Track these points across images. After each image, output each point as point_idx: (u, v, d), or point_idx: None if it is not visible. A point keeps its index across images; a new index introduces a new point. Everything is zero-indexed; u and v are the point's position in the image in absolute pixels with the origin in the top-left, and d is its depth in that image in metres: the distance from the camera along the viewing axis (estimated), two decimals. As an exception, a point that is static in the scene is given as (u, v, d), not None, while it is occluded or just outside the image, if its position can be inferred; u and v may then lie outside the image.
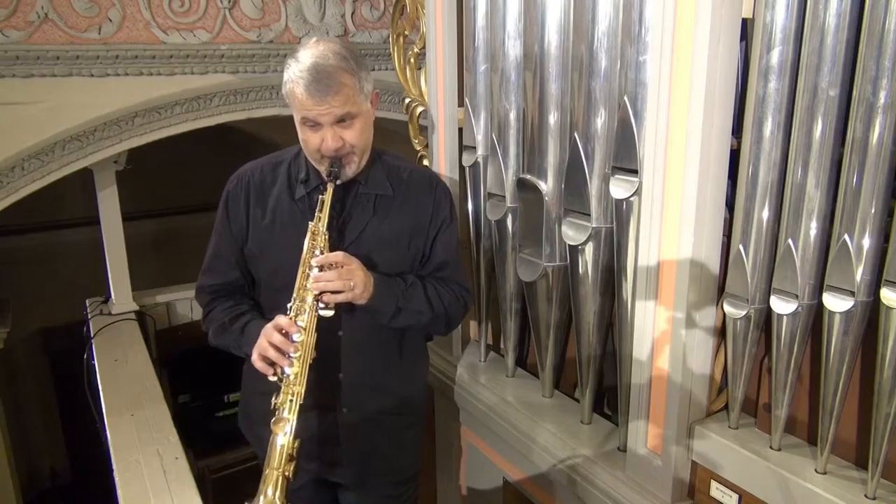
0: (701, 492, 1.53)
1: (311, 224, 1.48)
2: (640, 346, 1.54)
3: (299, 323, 1.42)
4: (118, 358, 3.05)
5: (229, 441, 3.37)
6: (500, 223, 1.94)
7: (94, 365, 3.09)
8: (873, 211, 1.18)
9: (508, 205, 1.91)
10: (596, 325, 1.75)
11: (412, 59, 2.34)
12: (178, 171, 5.17)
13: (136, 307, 3.56)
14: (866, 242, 1.20)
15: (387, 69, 3.36)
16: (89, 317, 3.51)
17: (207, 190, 5.46)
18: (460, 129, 2.14)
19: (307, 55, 1.44)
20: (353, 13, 3.26)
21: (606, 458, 1.71)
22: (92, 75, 2.77)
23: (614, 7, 1.49)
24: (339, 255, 1.46)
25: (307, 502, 1.77)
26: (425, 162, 2.34)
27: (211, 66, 2.98)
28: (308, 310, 1.43)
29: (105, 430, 2.48)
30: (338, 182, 1.51)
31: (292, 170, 1.64)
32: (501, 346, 2.15)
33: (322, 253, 1.46)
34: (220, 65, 3.00)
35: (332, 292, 1.45)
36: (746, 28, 1.36)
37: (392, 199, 1.64)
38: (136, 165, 3.37)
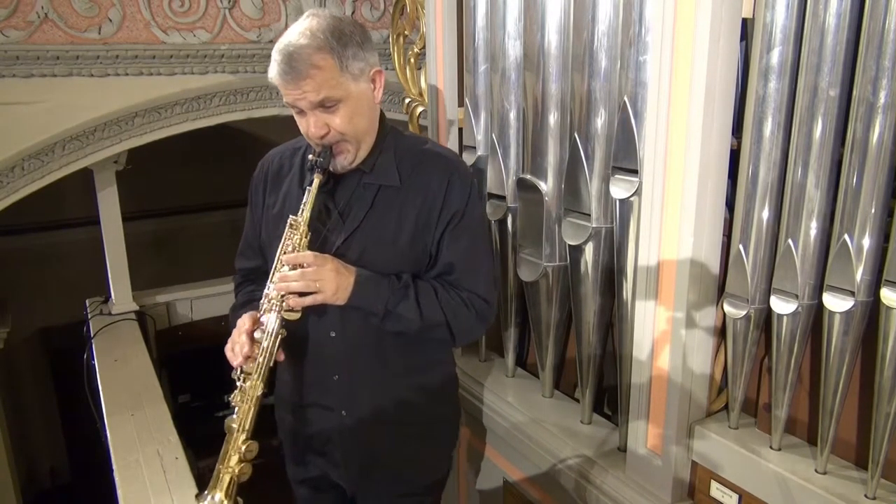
0: (701, 492, 1.53)
1: (291, 217, 1.40)
2: (640, 346, 1.54)
3: (262, 321, 1.38)
4: (118, 358, 3.05)
5: (229, 441, 3.37)
6: (500, 223, 1.94)
7: (94, 365, 3.08)
8: (873, 211, 1.18)
9: (508, 205, 1.91)
10: (596, 325, 1.75)
11: (412, 59, 2.34)
12: (178, 171, 5.16)
13: (136, 307, 3.55)
14: (866, 242, 1.20)
15: (387, 69, 3.34)
16: (89, 317, 3.51)
17: (207, 190, 5.49)
18: (460, 129, 2.14)
19: (287, 35, 1.34)
20: (353, 13, 3.26)
21: (606, 458, 1.71)
22: (92, 75, 2.77)
23: (614, 7, 1.49)
24: (308, 256, 1.37)
25: (315, 498, 1.76)
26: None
27: (211, 66, 2.98)
28: (273, 310, 1.38)
29: (105, 430, 2.48)
30: (323, 171, 1.40)
31: (307, 156, 1.50)
32: (501, 346, 2.15)
33: (295, 250, 1.39)
34: (220, 65, 3.00)
35: (298, 294, 1.37)
36: (746, 28, 1.36)
37: (398, 190, 1.47)
38: (136, 165, 3.37)
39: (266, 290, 1.41)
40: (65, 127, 2.76)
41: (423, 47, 2.22)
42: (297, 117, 1.42)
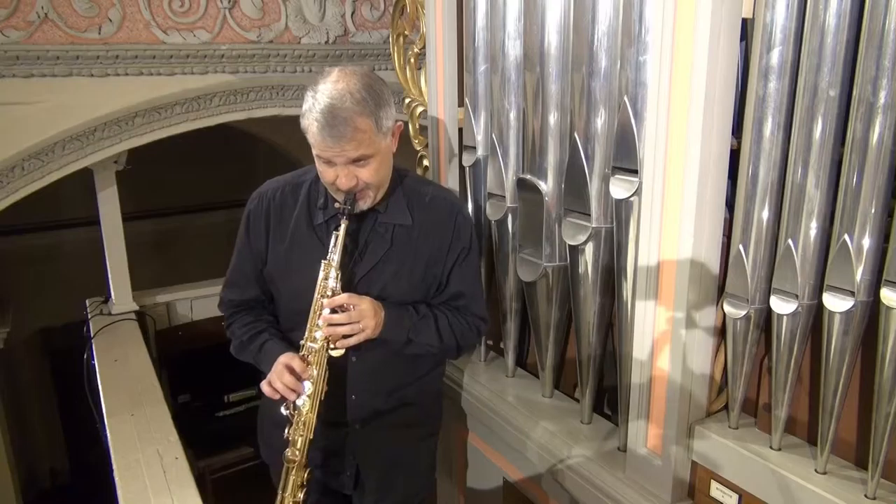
0: (701, 492, 1.53)
1: (323, 262, 1.49)
2: (640, 346, 1.54)
3: (311, 361, 1.48)
4: (118, 358, 3.04)
5: (229, 441, 3.37)
6: (500, 223, 1.94)
7: (94, 365, 3.08)
8: (873, 211, 1.18)
9: (508, 205, 1.91)
10: (596, 325, 1.75)
11: (412, 59, 2.34)
12: (178, 171, 5.16)
13: (136, 307, 3.55)
14: (866, 242, 1.20)
15: (387, 69, 3.35)
16: (89, 317, 3.51)
17: (207, 190, 5.50)
18: (460, 129, 2.14)
19: (325, 93, 1.40)
20: (353, 13, 3.26)
21: (606, 458, 1.71)
22: (92, 75, 2.77)
23: (614, 7, 1.49)
24: (345, 297, 1.48)
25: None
26: (425, 162, 2.34)
27: (211, 66, 2.98)
28: (318, 350, 1.48)
29: (105, 430, 2.48)
30: (352, 215, 1.50)
31: (312, 193, 1.62)
32: (501, 346, 2.15)
33: (333, 293, 1.48)
34: (220, 65, 3.00)
35: (344, 336, 1.48)
36: (746, 28, 1.36)
37: (411, 228, 1.62)
38: (136, 165, 3.37)
39: (308, 333, 1.50)
40: (65, 127, 2.76)
41: (423, 47, 2.22)
42: (323, 166, 1.48)
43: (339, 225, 1.49)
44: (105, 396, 2.70)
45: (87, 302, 3.69)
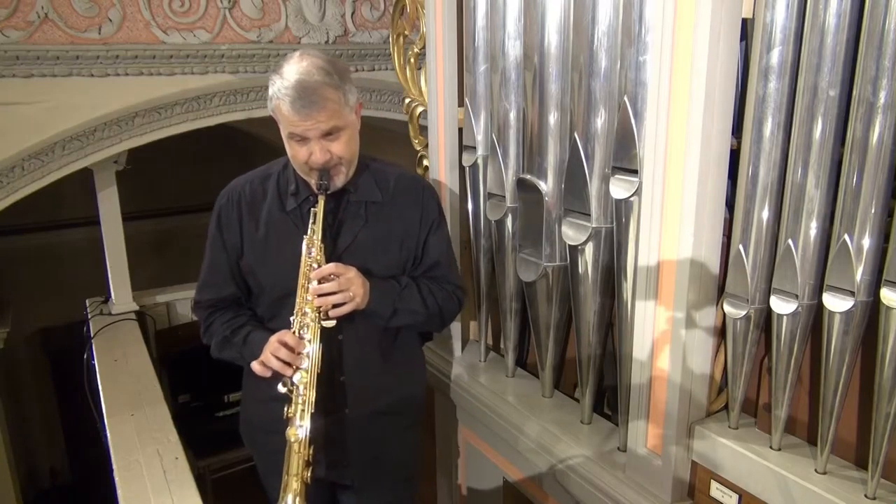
0: (701, 492, 1.53)
1: (305, 238, 1.51)
2: (640, 346, 1.54)
3: (305, 335, 1.48)
4: (118, 358, 3.05)
5: (229, 441, 3.36)
6: (500, 223, 1.94)
7: (94, 365, 3.08)
8: (873, 211, 1.18)
9: (508, 205, 1.91)
10: (596, 325, 1.75)
11: (412, 59, 2.34)
12: (178, 171, 5.16)
13: (136, 307, 3.56)
14: (866, 242, 1.20)
15: (387, 69, 3.36)
16: (89, 317, 3.51)
17: (207, 190, 5.48)
18: (460, 129, 2.14)
19: (291, 71, 1.45)
20: (353, 13, 3.26)
21: (606, 458, 1.71)
22: (92, 75, 2.77)
23: (614, 7, 1.49)
24: (332, 267, 1.50)
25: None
26: (425, 162, 2.34)
27: (211, 66, 2.98)
28: (311, 323, 1.49)
29: (105, 430, 2.48)
30: (327, 193, 1.54)
31: (281, 182, 1.66)
32: (501, 346, 2.15)
33: (319, 265, 1.50)
34: (220, 65, 3.00)
35: (335, 305, 1.49)
36: (746, 28, 1.36)
37: (382, 204, 1.67)
38: (136, 165, 3.37)
39: (298, 308, 1.51)
40: (65, 127, 2.76)
41: (423, 47, 2.22)
42: (295, 146, 1.52)
43: (316, 203, 1.52)
44: (105, 396, 2.70)
45: (87, 302, 3.69)
